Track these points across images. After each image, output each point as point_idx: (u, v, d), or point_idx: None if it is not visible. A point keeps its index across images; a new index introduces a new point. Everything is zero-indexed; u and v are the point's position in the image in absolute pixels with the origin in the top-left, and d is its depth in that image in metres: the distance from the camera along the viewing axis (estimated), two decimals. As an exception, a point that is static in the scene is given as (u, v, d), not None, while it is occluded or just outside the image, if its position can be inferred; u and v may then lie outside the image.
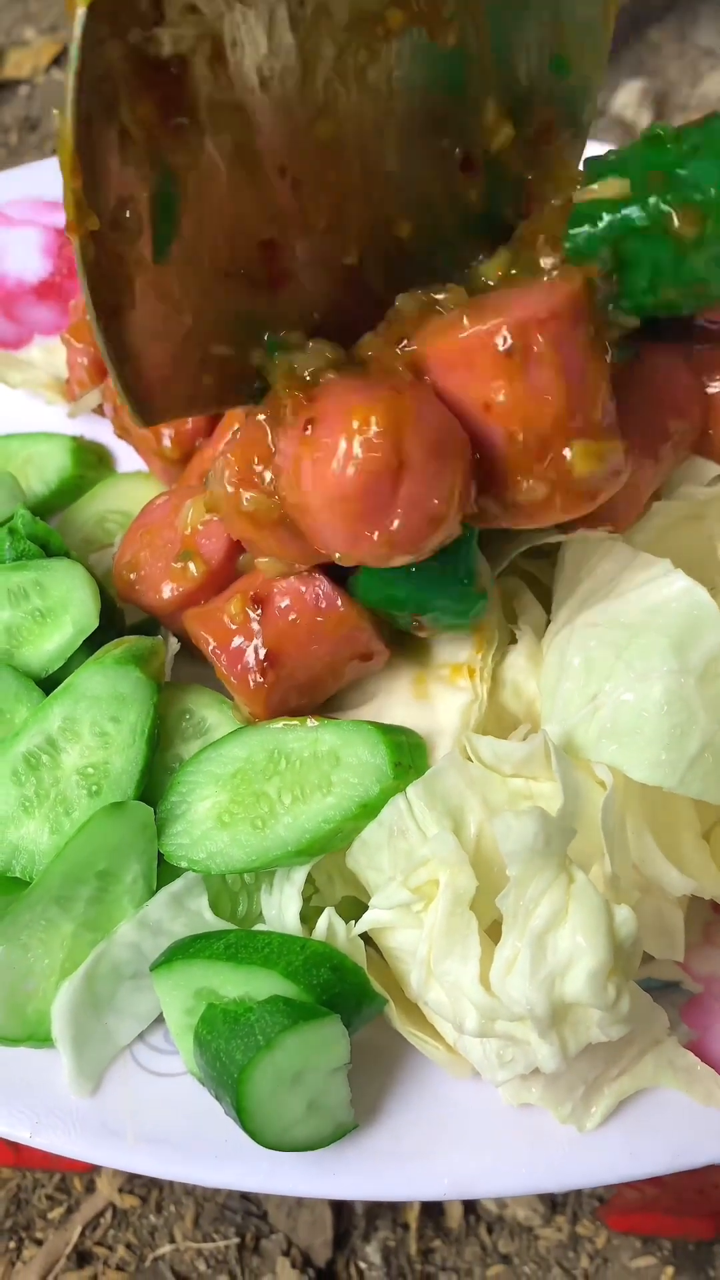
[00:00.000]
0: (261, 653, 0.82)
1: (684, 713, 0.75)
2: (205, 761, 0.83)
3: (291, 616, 0.82)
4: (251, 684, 0.82)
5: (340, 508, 0.69)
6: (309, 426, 0.70)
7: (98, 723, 0.84)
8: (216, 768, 0.82)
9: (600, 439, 0.74)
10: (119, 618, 0.96)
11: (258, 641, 0.82)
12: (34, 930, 0.80)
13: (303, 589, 0.82)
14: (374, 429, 0.67)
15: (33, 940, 0.80)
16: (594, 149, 1.16)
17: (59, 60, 2.02)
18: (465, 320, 0.73)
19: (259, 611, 0.83)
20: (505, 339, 0.71)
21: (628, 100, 1.87)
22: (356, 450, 0.67)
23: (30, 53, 2.02)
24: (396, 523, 0.69)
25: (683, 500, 0.87)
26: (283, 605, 0.83)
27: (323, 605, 0.81)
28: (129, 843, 0.81)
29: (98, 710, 0.84)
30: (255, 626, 0.82)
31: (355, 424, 0.68)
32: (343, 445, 0.68)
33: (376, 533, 0.70)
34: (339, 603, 0.81)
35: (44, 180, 1.24)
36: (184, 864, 0.81)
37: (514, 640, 0.89)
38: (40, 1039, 0.80)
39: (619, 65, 1.93)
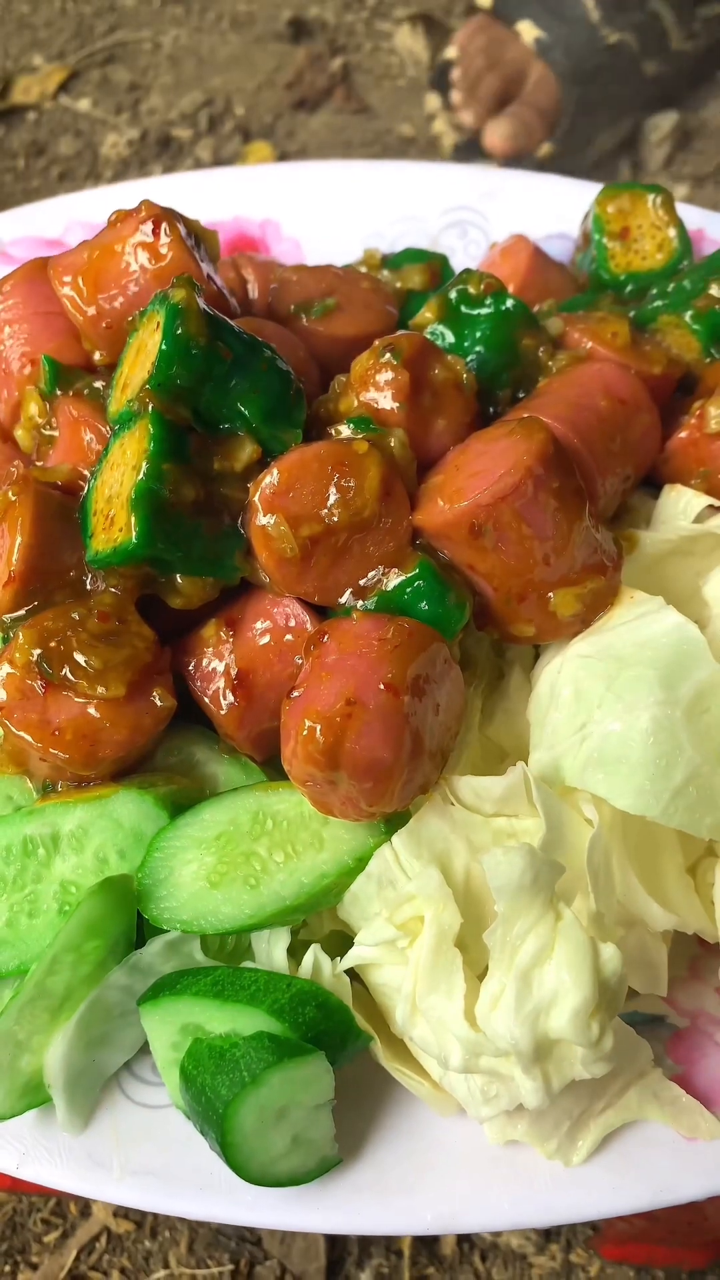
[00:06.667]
0: (234, 673, 0.83)
1: (670, 743, 0.76)
2: (184, 827, 0.81)
3: (264, 639, 0.83)
4: (224, 705, 0.83)
5: (293, 773, 0.76)
6: (295, 690, 0.76)
7: (103, 848, 0.82)
8: (197, 832, 0.81)
9: (582, 581, 0.80)
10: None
11: (229, 661, 0.84)
12: (24, 1022, 0.78)
13: (274, 611, 0.83)
14: (318, 741, 0.73)
15: (22, 1029, 0.78)
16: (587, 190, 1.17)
17: (66, 86, 2.04)
18: (440, 501, 0.79)
19: (231, 634, 0.84)
20: (474, 524, 0.77)
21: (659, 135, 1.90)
22: (300, 753, 0.74)
23: (38, 79, 2.04)
24: (341, 803, 0.76)
25: (671, 536, 0.87)
26: (255, 627, 0.84)
27: (292, 625, 0.83)
28: (112, 915, 0.79)
29: (112, 836, 0.82)
30: (228, 648, 0.84)
31: (305, 726, 0.73)
32: (292, 740, 0.75)
33: (334, 804, 0.77)
34: (308, 624, 0.82)
35: (46, 219, 1.26)
36: (176, 927, 0.79)
37: (501, 675, 0.90)
38: (39, 1102, 0.79)
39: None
